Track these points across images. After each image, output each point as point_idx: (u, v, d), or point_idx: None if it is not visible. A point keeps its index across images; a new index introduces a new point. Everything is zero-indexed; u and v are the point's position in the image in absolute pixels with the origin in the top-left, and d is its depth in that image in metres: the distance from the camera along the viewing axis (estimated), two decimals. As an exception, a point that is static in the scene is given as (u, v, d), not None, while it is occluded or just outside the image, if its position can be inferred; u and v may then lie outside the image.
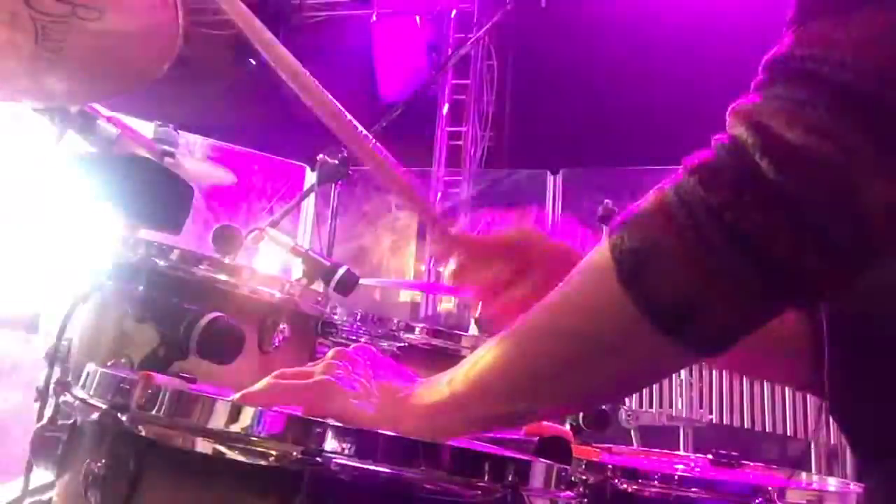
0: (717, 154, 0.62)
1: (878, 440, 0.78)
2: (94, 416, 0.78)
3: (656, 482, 1.23)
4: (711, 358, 0.66)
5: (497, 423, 0.82)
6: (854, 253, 0.59)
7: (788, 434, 2.85)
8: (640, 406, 2.91)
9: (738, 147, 0.60)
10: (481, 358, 0.76)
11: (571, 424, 1.58)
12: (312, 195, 2.73)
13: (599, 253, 0.68)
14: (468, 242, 1.01)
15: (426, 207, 0.98)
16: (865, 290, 0.68)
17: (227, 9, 0.91)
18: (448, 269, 1.01)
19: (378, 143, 0.93)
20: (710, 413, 2.88)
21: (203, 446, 0.71)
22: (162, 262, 1.49)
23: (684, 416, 2.90)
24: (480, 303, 1.03)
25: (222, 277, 1.53)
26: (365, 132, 0.94)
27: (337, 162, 2.47)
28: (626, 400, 2.74)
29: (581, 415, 1.59)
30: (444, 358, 1.85)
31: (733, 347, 0.65)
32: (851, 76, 0.57)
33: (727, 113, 0.63)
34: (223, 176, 2.59)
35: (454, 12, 5.66)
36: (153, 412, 0.75)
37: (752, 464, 1.57)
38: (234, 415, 0.72)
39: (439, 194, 5.40)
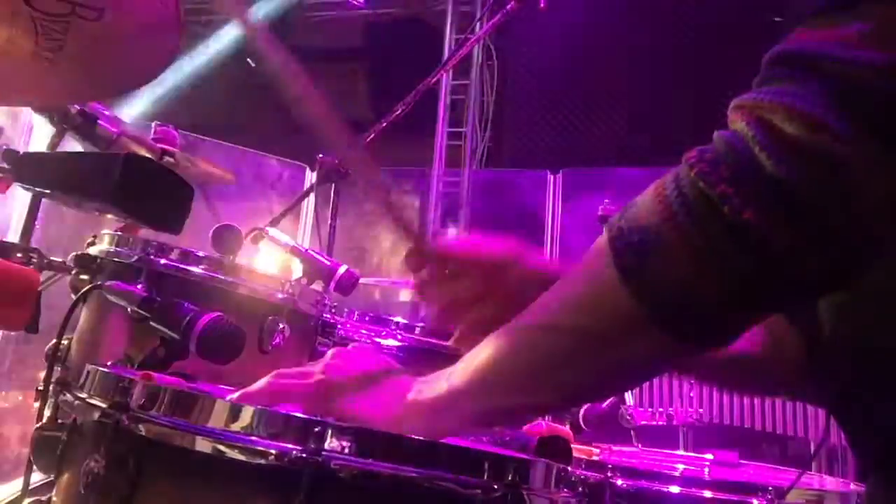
0: (717, 147, 0.62)
1: (879, 443, 0.77)
2: (94, 416, 0.78)
3: (656, 482, 1.23)
4: (711, 349, 0.66)
5: (497, 419, 0.81)
6: (853, 246, 0.59)
7: (788, 434, 2.85)
8: (640, 406, 2.90)
9: (739, 141, 0.60)
10: (480, 353, 0.76)
11: (571, 424, 1.58)
12: (312, 195, 2.72)
13: (598, 247, 0.67)
14: (444, 255, 0.98)
15: (407, 226, 0.95)
16: (866, 291, 0.68)
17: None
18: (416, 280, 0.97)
19: (371, 155, 0.89)
20: (710, 413, 2.88)
21: (203, 446, 0.71)
22: (162, 262, 1.49)
23: (684, 416, 2.90)
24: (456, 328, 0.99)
25: (222, 277, 1.53)
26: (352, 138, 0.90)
27: (337, 162, 2.47)
28: (627, 399, 2.74)
29: (581, 414, 1.59)
30: (443, 358, 1.84)
31: (733, 341, 0.65)
32: (851, 71, 0.57)
33: (729, 108, 0.63)
34: (223, 176, 2.59)
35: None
36: (153, 412, 0.75)
37: (752, 464, 1.57)
38: (234, 415, 0.72)
39: (439, 194, 5.39)
